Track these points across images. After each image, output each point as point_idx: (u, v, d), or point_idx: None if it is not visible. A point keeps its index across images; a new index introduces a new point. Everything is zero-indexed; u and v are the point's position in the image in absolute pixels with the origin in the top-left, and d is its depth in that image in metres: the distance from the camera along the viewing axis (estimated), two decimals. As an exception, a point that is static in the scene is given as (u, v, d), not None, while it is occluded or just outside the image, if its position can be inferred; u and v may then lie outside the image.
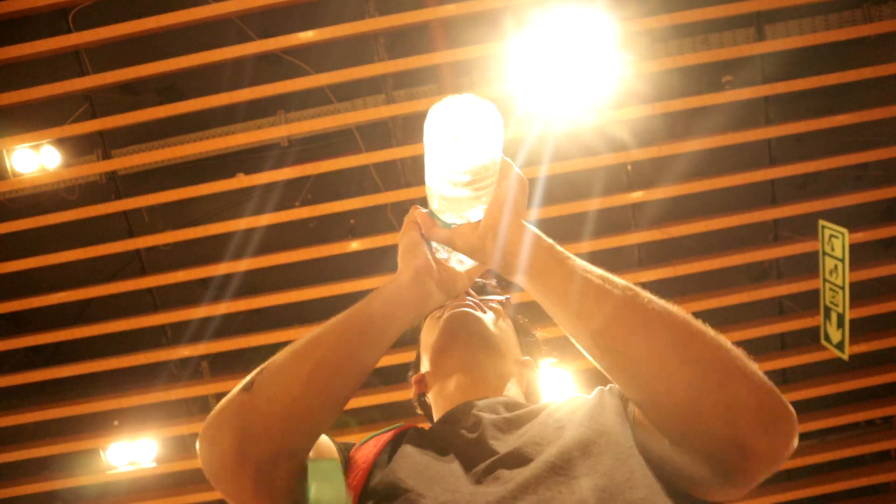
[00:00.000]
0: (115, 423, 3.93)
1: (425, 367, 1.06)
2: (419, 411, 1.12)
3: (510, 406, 0.88)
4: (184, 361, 3.75)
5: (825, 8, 3.57)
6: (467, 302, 1.06)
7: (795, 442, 0.63)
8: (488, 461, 0.74)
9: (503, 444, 0.77)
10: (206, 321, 3.59)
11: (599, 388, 0.85)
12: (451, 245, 0.83)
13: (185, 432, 3.87)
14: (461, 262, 0.88)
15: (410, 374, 1.12)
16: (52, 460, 3.97)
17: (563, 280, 0.73)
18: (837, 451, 3.88)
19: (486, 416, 0.84)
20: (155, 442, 3.84)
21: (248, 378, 0.71)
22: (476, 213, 0.81)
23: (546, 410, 0.83)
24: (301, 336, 0.76)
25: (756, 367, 0.65)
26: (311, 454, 0.75)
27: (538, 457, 0.72)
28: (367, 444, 0.85)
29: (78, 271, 3.64)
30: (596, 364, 0.72)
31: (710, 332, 0.66)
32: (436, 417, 0.98)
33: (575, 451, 0.71)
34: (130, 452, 3.81)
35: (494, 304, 1.11)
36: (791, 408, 0.64)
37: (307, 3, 3.26)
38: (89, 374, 3.68)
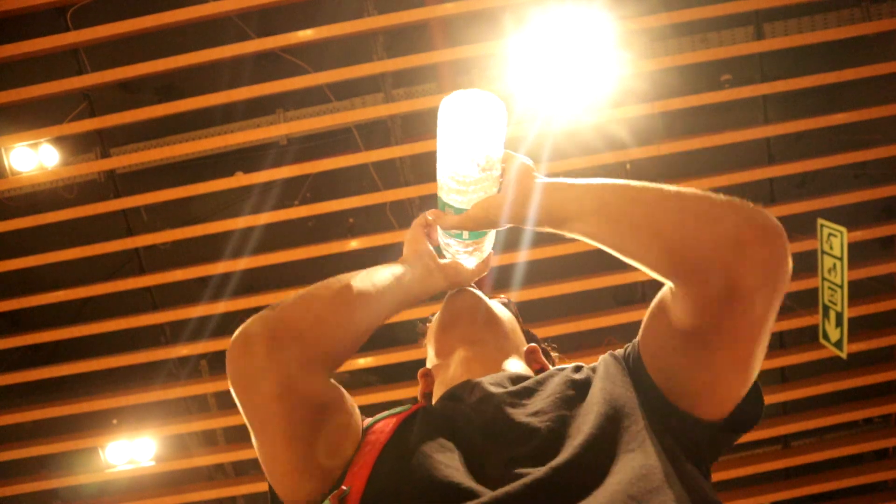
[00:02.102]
0: (114, 421, 3.93)
1: (431, 361, 1.04)
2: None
3: (515, 380, 0.85)
4: (182, 360, 3.75)
5: (824, 6, 3.57)
6: (470, 287, 1.05)
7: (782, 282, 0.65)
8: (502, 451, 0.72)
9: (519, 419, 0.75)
10: (204, 320, 3.59)
11: (602, 357, 0.84)
12: (462, 226, 0.91)
13: (183, 431, 3.88)
14: (468, 258, 0.98)
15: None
16: (51, 459, 3.97)
17: (574, 204, 0.80)
18: (836, 450, 3.88)
19: (494, 390, 0.81)
20: (154, 441, 3.84)
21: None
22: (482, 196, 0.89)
23: (552, 383, 0.80)
24: None
25: (758, 211, 0.66)
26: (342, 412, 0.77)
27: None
28: (376, 429, 0.81)
29: (76, 270, 3.63)
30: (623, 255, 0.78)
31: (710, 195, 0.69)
32: (437, 396, 0.94)
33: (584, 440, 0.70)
34: (129, 451, 3.81)
35: (500, 298, 1.10)
36: (788, 255, 0.65)
37: (306, 1, 3.25)
38: (88, 373, 3.67)
